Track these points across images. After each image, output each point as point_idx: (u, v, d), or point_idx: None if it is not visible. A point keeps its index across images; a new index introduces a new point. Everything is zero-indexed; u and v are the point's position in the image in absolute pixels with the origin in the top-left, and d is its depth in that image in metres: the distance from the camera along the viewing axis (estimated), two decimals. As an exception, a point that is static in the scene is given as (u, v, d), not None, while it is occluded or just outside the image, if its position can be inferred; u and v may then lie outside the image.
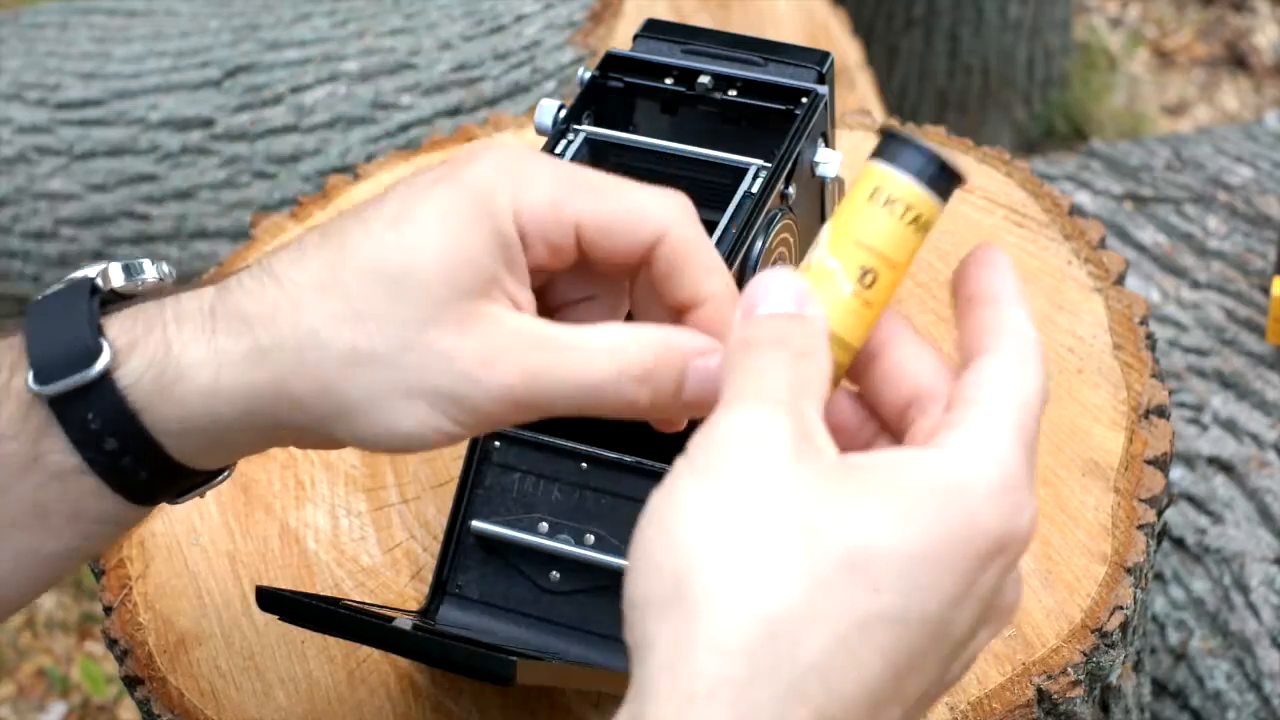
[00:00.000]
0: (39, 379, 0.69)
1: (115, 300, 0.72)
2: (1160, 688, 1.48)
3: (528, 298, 0.70)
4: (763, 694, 0.56)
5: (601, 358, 0.67)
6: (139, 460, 0.70)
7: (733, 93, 0.94)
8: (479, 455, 0.90)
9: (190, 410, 0.69)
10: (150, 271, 0.74)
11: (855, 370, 0.66)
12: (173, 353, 0.69)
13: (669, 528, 0.59)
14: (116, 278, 0.73)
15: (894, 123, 0.64)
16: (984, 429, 0.60)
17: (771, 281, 0.64)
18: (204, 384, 0.68)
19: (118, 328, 0.69)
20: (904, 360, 0.66)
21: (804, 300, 0.64)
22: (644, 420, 0.71)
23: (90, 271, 0.73)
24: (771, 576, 0.57)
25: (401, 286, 0.67)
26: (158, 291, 0.73)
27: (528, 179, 0.69)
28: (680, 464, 0.61)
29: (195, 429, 0.69)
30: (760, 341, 0.62)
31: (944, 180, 0.65)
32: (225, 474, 0.75)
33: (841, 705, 0.57)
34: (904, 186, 0.65)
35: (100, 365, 0.68)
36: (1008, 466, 0.60)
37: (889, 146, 0.67)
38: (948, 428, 0.61)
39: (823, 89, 0.94)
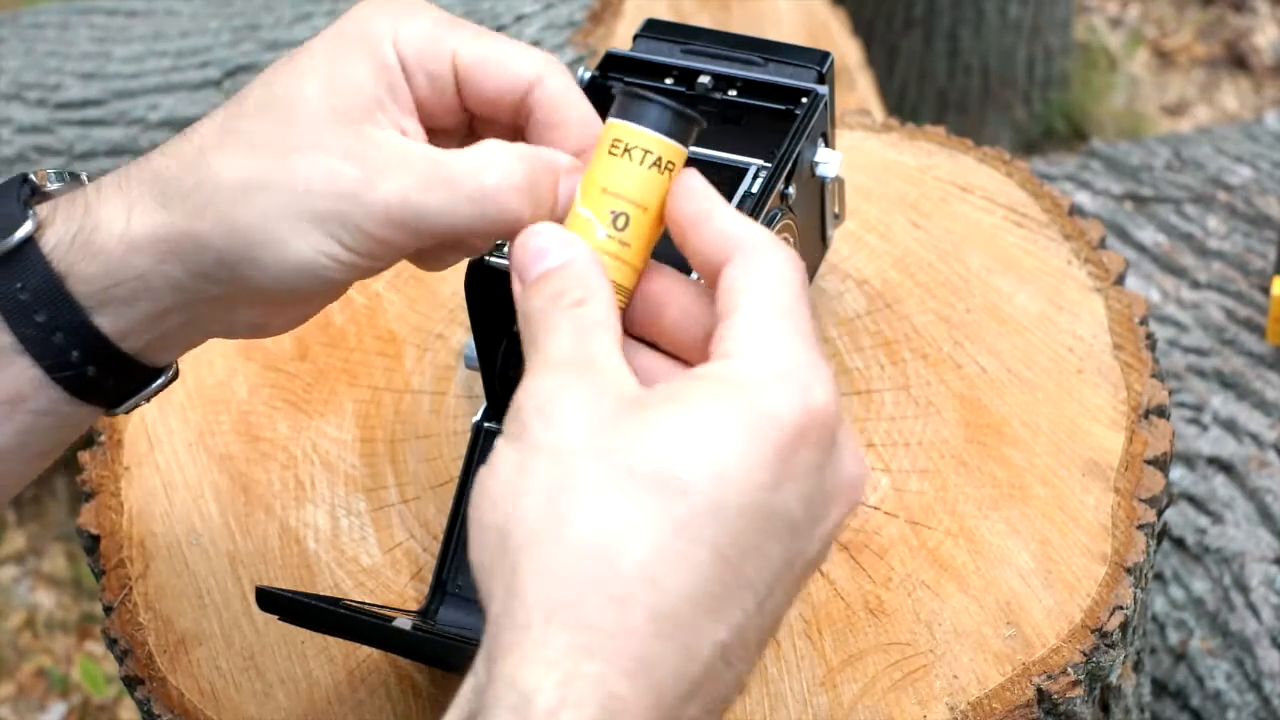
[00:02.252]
0: None
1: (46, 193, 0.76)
2: (1160, 688, 1.48)
3: (414, 127, 0.73)
4: (594, 607, 0.59)
5: (485, 172, 0.70)
6: (70, 337, 0.72)
7: (733, 93, 0.94)
8: (479, 455, 0.90)
9: (109, 265, 0.72)
10: (84, 179, 0.78)
11: (649, 326, 0.70)
12: (91, 212, 0.72)
13: (488, 491, 0.62)
14: (51, 182, 0.77)
15: (635, 86, 0.71)
16: (747, 327, 0.63)
17: (533, 239, 0.67)
18: (118, 232, 0.72)
19: (46, 206, 0.73)
20: (687, 303, 0.69)
21: (567, 245, 0.67)
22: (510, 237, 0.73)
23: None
24: (583, 504, 0.60)
25: (288, 114, 0.71)
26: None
27: (407, 13, 0.73)
28: (497, 439, 0.64)
29: (115, 288, 0.72)
30: (538, 308, 0.66)
31: (678, 125, 0.70)
32: (163, 378, 0.77)
33: (677, 599, 0.59)
34: (639, 134, 0.70)
35: (23, 232, 0.72)
36: (779, 351, 0.63)
37: (622, 104, 0.71)
38: (717, 341, 0.64)
39: (823, 89, 0.94)
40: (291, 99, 0.71)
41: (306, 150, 0.71)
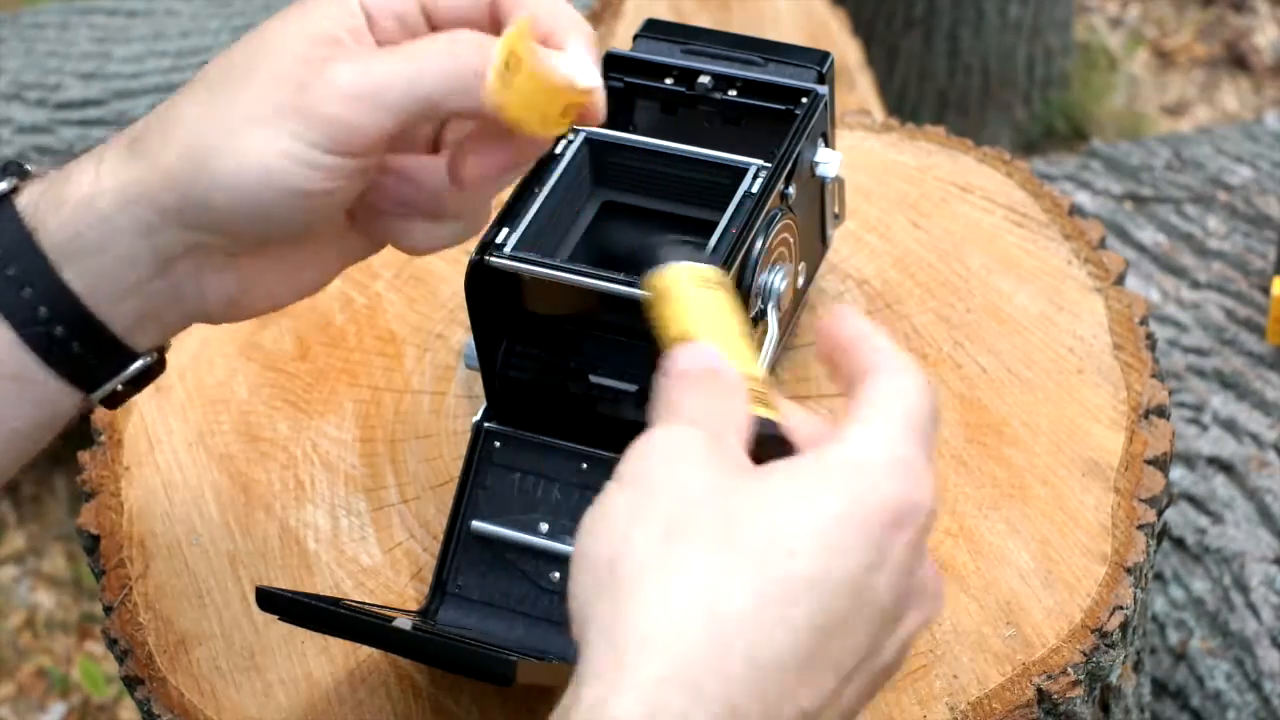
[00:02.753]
0: None
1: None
2: (1160, 688, 1.48)
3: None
4: (692, 644, 0.59)
5: (439, 49, 0.72)
6: (38, 293, 0.73)
7: (733, 93, 0.94)
8: (479, 455, 0.90)
9: (76, 213, 0.73)
10: None
11: None
12: (64, 172, 0.75)
13: (600, 531, 0.63)
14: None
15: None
16: (876, 420, 0.65)
17: (693, 346, 0.69)
18: (86, 182, 0.73)
19: (30, 182, 0.76)
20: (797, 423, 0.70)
21: (719, 359, 0.68)
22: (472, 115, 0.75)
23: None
24: (695, 549, 0.61)
25: (252, 59, 0.73)
26: None
27: None
28: (609, 483, 0.65)
29: (81, 237, 0.73)
30: (681, 382, 0.67)
31: (683, 252, 0.73)
32: (142, 361, 0.77)
33: (771, 655, 0.60)
34: (693, 271, 0.73)
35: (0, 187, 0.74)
36: (900, 447, 0.64)
37: (661, 259, 0.73)
38: (842, 426, 0.66)
39: (823, 89, 0.94)
40: (255, 48, 0.73)
41: (264, 69, 0.72)
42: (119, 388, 0.78)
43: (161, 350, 0.80)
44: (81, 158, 0.75)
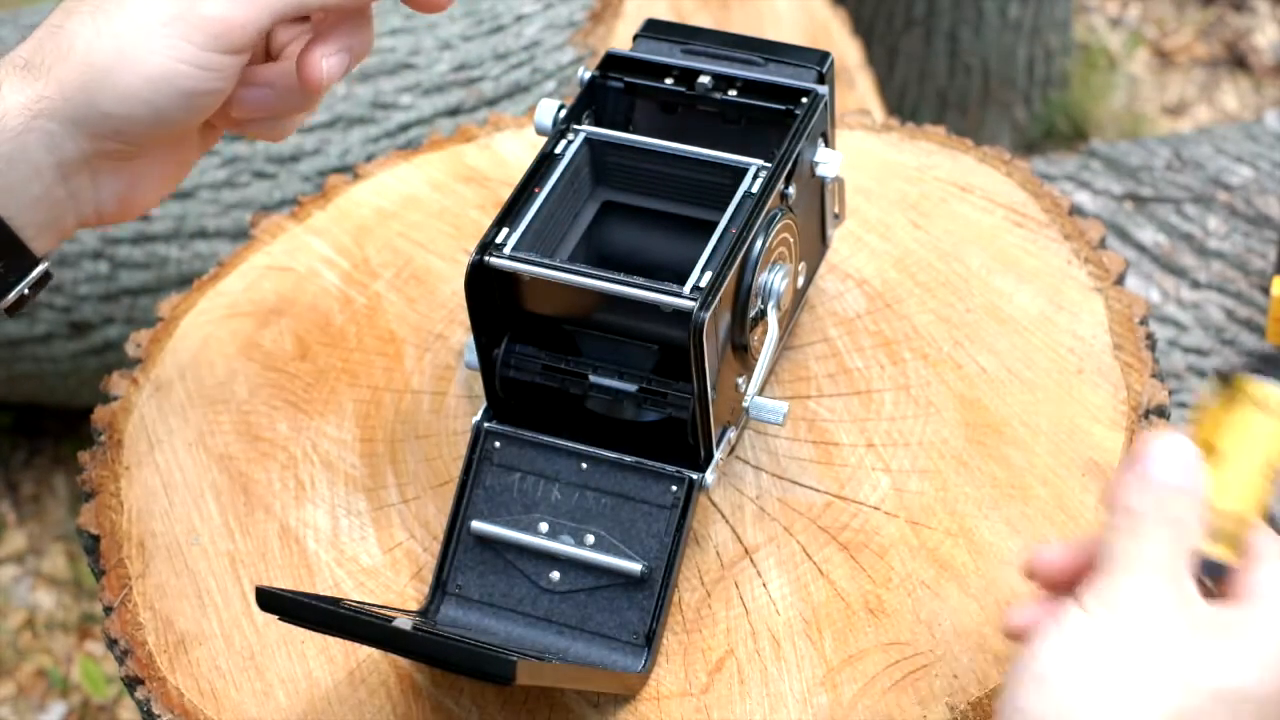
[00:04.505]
0: None
1: None
2: (1160, 688, 1.48)
3: None
4: None
5: None
6: None
7: (733, 93, 0.94)
8: (479, 455, 0.90)
9: None
10: None
11: None
12: None
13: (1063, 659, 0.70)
14: None
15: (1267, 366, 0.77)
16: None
17: (1172, 443, 0.74)
18: None
19: None
20: None
21: (1195, 472, 0.74)
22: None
23: None
24: (1157, 705, 0.69)
25: None
26: None
27: None
28: (1075, 614, 0.71)
29: None
30: (1146, 514, 0.72)
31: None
32: (43, 266, 0.84)
33: None
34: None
35: None
36: None
37: (1267, 369, 0.77)
38: (1258, 593, 0.73)
39: (823, 89, 0.94)
40: None
41: None
42: (25, 292, 0.84)
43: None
44: None
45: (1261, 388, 0.77)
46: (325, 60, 0.85)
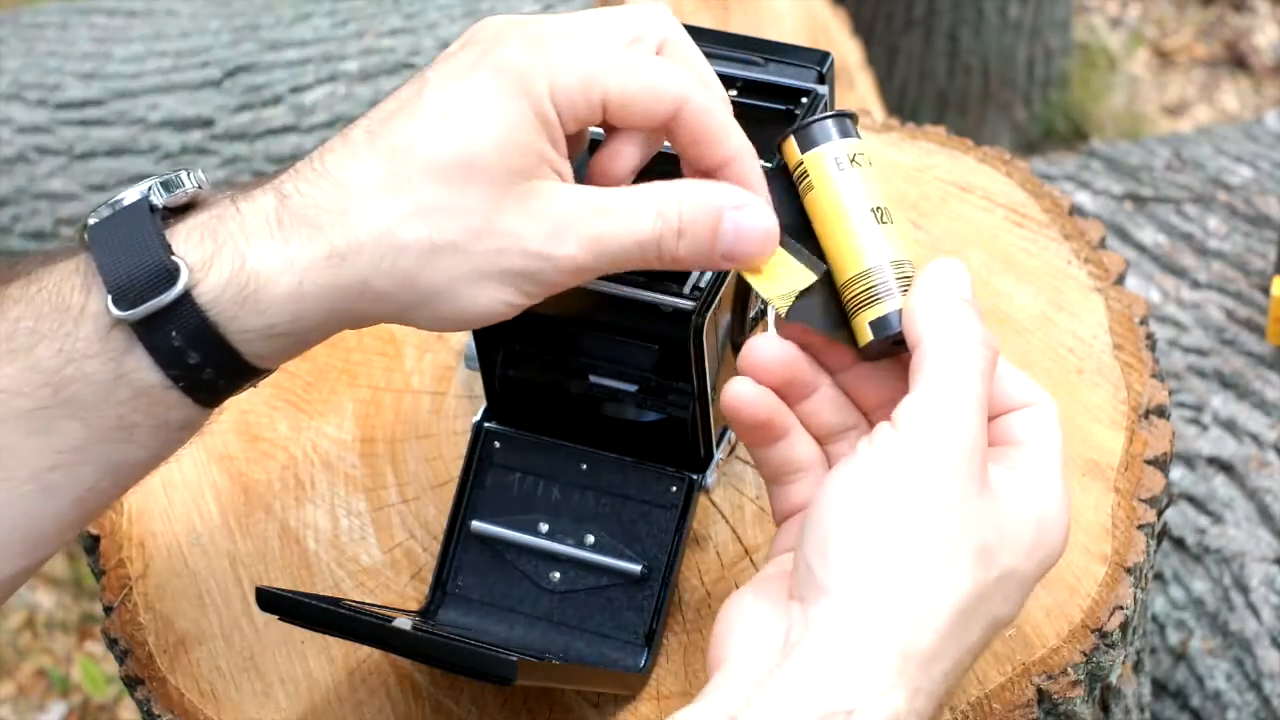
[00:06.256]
0: (119, 304, 0.72)
1: (166, 215, 0.75)
2: (1160, 688, 1.48)
3: (567, 169, 0.76)
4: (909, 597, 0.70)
5: (647, 217, 0.74)
6: (219, 370, 0.73)
7: (733, 93, 0.94)
8: (479, 455, 0.90)
9: (274, 318, 0.73)
10: (188, 183, 0.77)
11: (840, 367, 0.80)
12: (248, 265, 0.72)
13: (850, 509, 0.72)
14: (158, 197, 0.75)
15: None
16: (1047, 468, 0.76)
17: (950, 269, 0.78)
18: (287, 291, 0.72)
19: (185, 245, 0.73)
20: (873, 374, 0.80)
21: (968, 287, 0.78)
22: (685, 270, 0.80)
23: (132, 194, 0.75)
24: (925, 548, 0.71)
25: (463, 177, 0.72)
26: (203, 201, 0.76)
27: (558, 60, 0.74)
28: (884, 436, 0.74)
29: (279, 334, 0.73)
30: (957, 329, 0.77)
31: (849, 125, 0.80)
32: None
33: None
34: (845, 145, 0.79)
35: (180, 287, 0.71)
36: (1065, 498, 0.77)
37: (804, 135, 0.79)
38: (1023, 462, 0.76)
39: (823, 89, 0.94)
40: (463, 159, 0.72)
41: (488, 215, 0.73)
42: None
43: None
44: (253, 233, 0.73)
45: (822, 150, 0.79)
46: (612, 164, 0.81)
